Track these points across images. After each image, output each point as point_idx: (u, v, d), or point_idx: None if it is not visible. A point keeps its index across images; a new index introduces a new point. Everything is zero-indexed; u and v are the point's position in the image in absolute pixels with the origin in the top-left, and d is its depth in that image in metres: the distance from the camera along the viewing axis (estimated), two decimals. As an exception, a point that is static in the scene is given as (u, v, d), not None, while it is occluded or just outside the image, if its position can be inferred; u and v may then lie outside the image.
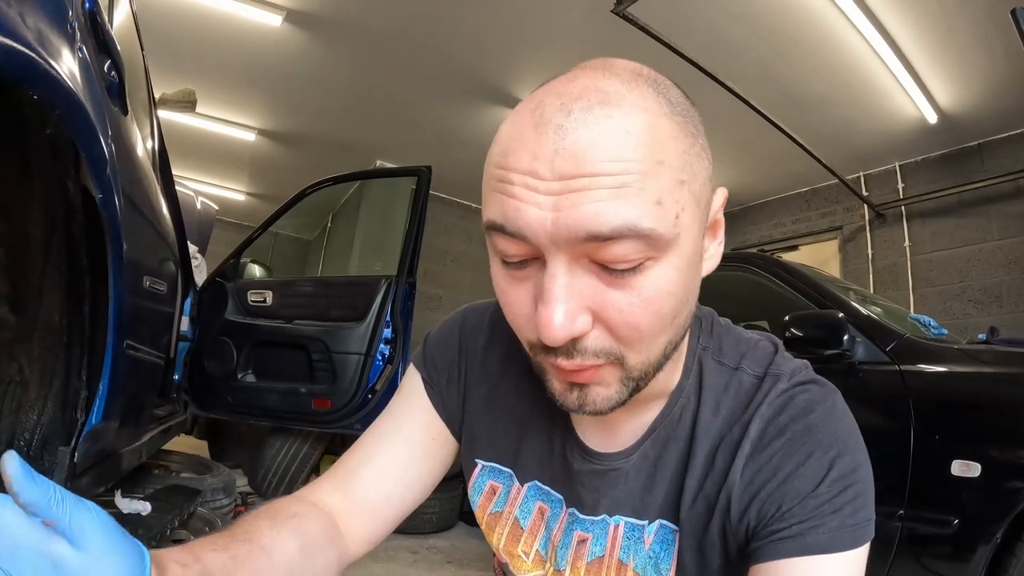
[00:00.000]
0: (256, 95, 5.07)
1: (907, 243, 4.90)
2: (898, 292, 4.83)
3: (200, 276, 3.09)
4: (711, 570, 0.49)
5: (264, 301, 2.87)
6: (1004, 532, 1.42)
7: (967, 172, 4.54)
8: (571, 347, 0.40)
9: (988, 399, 1.61)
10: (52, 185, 1.02)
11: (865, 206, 5.15)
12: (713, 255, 0.46)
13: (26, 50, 0.67)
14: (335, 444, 3.17)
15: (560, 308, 0.38)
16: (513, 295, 0.43)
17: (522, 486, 0.58)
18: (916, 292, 4.80)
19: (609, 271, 0.38)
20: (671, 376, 0.50)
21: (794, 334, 1.86)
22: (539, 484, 0.57)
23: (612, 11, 2.98)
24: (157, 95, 2.55)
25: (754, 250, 4.57)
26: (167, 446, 2.45)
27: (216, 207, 4.19)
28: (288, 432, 2.93)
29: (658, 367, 0.44)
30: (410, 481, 0.59)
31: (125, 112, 1.25)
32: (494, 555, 0.63)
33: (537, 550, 0.56)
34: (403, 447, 0.60)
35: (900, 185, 4.99)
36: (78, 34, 0.89)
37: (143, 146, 1.50)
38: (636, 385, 0.43)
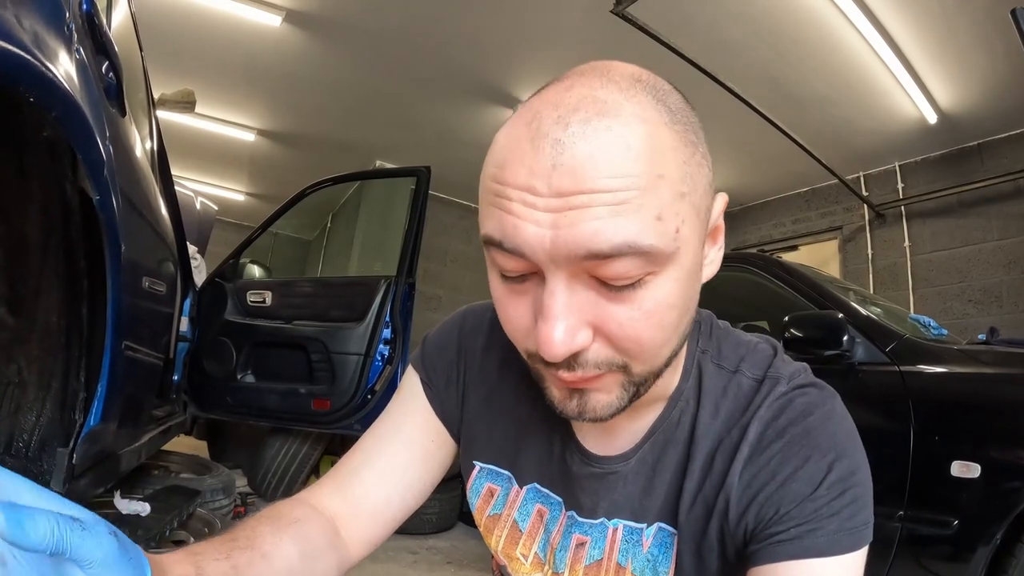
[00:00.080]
0: (255, 95, 5.07)
1: (907, 243, 4.90)
2: (898, 292, 4.83)
3: (199, 276, 3.09)
4: (709, 573, 0.49)
5: (263, 301, 2.87)
6: (1004, 533, 1.42)
7: (967, 172, 4.54)
8: (572, 360, 0.40)
9: (988, 400, 1.60)
10: (50, 187, 1.02)
11: (865, 206, 5.15)
12: (713, 261, 0.46)
13: (22, 52, 0.66)
14: (334, 444, 3.17)
15: (560, 325, 0.38)
16: (512, 308, 0.42)
17: (521, 488, 0.58)
18: (916, 292, 4.80)
19: (609, 286, 0.38)
20: (670, 379, 0.50)
21: (794, 334, 1.86)
22: (538, 487, 0.57)
23: (611, 11, 2.98)
24: (156, 95, 2.55)
25: (754, 250, 4.57)
26: (166, 447, 2.45)
27: (215, 207, 4.19)
28: (287, 432, 2.93)
29: (660, 374, 0.44)
30: (410, 483, 0.60)
31: (123, 113, 1.25)
32: (492, 557, 0.63)
33: (536, 552, 0.56)
34: (402, 449, 0.60)
35: (900, 185, 4.99)
36: (75, 36, 0.89)
37: (142, 147, 1.50)
38: (637, 391, 0.43)
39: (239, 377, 2.80)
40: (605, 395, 0.43)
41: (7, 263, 1.03)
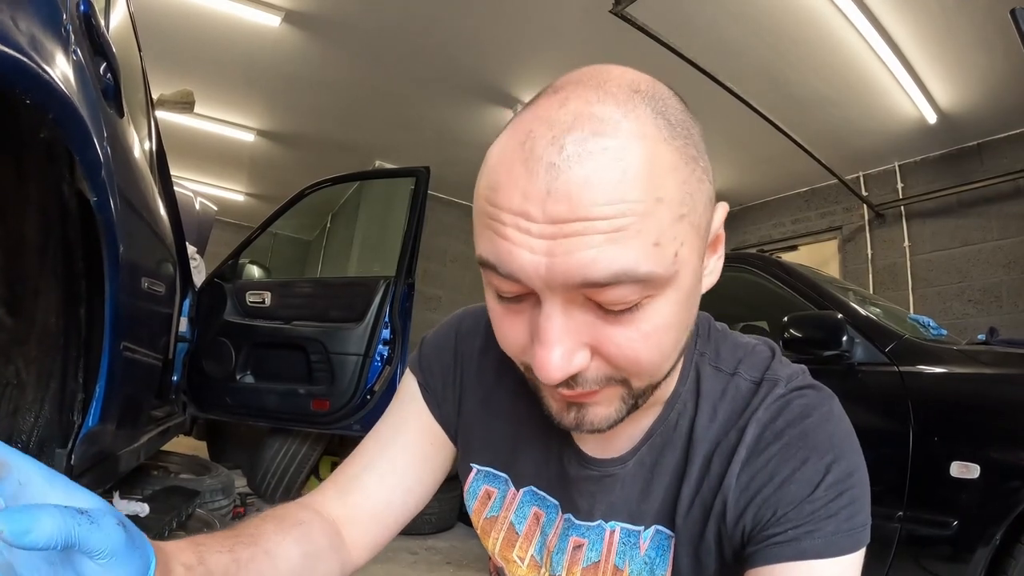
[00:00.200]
0: (255, 95, 5.07)
1: (906, 243, 4.90)
2: (897, 292, 4.83)
3: (199, 277, 3.09)
4: (707, 575, 0.49)
5: (263, 302, 2.87)
6: (1003, 534, 1.42)
7: (967, 172, 4.54)
8: (571, 379, 0.40)
9: (987, 400, 1.60)
10: (48, 188, 1.02)
11: (864, 206, 5.15)
12: (713, 271, 0.45)
13: (18, 54, 0.66)
14: (334, 445, 3.17)
15: (557, 350, 0.38)
16: (508, 327, 0.42)
17: (518, 491, 0.58)
18: (915, 292, 4.80)
19: (606, 309, 0.38)
20: (668, 383, 0.50)
21: (793, 335, 1.86)
22: (535, 489, 0.57)
23: (611, 11, 2.98)
24: (155, 96, 2.55)
25: (753, 250, 4.58)
26: (166, 447, 2.45)
27: (215, 208, 4.19)
28: (287, 433, 2.93)
29: (658, 385, 0.44)
30: (410, 486, 0.60)
31: (121, 114, 1.24)
32: (490, 559, 0.63)
33: (532, 555, 0.56)
34: (402, 453, 0.60)
35: (899, 185, 4.99)
36: (72, 37, 0.89)
37: (141, 147, 1.50)
38: (636, 403, 0.43)
39: (238, 378, 2.80)
40: (604, 408, 0.43)
41: (5, 264, 1.03)
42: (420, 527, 2.90)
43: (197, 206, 3.73)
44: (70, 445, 1.09)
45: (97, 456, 1.25)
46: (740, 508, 0.46)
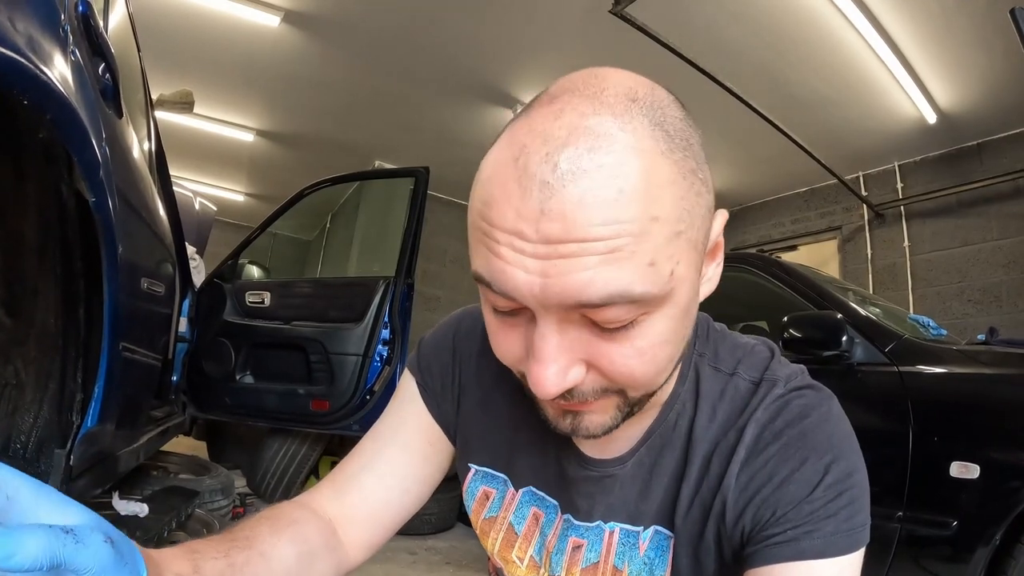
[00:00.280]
0: (254, 95, 5.07)
1: (906, 243, 4.90)
2: (897, 292, 4.83)
3: (198, 277, 3.09)
4: (706, 575, 0.49)
5: (262, 302, 2.87)
6: (1003, 534, 1.42)
7: (966, 172, 4.54)
8: (566, 392, 0.40)
9: (987, 400, 1.60)
10: (46, 188, 1.02)
11: (864, 206, 5.15)
12: (712, 277, 0.45)
13: (16, 55, 0.66)
14: (333, 445, 3.17)
15: (552, 368, 0.38)
16: (503, 338, 0.42)
17: (517, 491, 0.58)
18: (915, 292, 4.80)
19: (601, 327, 0.38)
20: (666, 386, 0.50)
21: (792, 335, 1.86)
22: (534, 490, 0.57)
23: (610, 11, 2.98)
24: (154, 96, 2.55)
25: (753, 250, 4.58)
26: (165, 447, 2.45)
27: (214, 208, 4.19)
28: (286, 433, 2.93)
29: (654, 394, 0.44)
30: (408, 486, 0.60)
31: (120, 114, 1.24)
32: (489, 559, 0.62)
33: (531, 556, 0.56)
34: (400, 452, 0.60)
35: (899, 185, 4.99)
36: (71, 37, 0.89)
37: (140, 148, 1.50)
38: (631, 410, 0.43)
39: (238, 378, 2.80)
40: (599, 416, 0.43)
41: (4, 265, 1.03)
42: (419, 527, 2.90)
43: (196, 206, 3.73)
44: (69, 445, 1.09)
45: (96, 456, 1.25)
46: (739, 508, 0.46)
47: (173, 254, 2.00)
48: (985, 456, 1.49)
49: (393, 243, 2.93)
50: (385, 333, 2.61)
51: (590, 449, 0.53)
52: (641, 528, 0.51)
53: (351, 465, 0.60)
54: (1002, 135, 4.36)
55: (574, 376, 0.39)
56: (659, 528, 0.50)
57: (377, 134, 5.54)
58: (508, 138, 0.38)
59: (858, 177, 5.18)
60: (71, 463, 1.09)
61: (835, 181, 4.91)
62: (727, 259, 2.35)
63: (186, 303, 2.76)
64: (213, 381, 2.82)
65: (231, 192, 7.64)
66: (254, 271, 3.36)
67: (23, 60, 0.68)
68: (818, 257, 5.42)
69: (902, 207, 4.94)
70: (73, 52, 0.90)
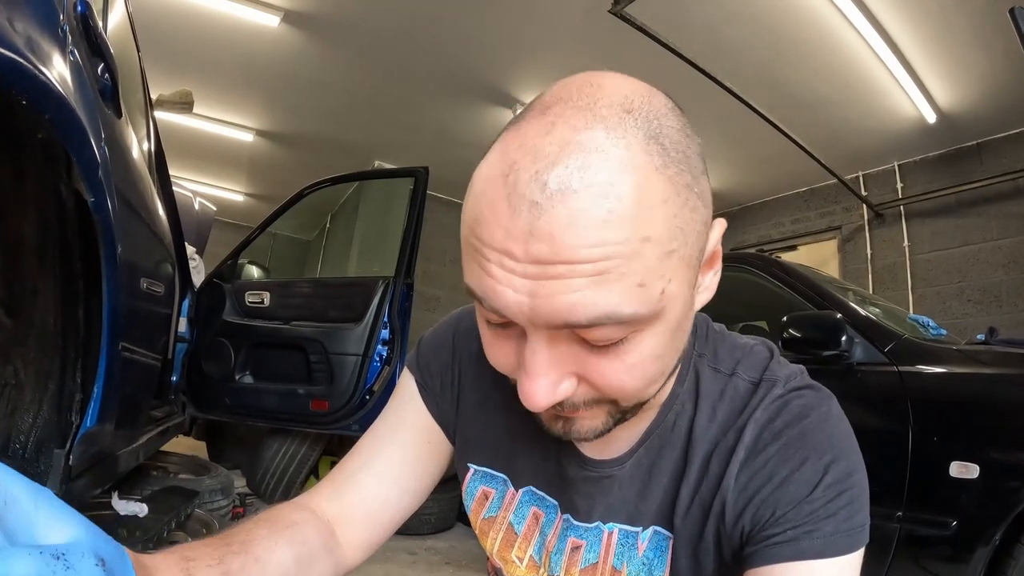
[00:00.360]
0: (254, 96, 5.07)
1: (906, 243, 4.90)
2: (897, 292, 4.83)
3: (198, 277, 3.09)
4: (705, 575, 0.48)
5: (262, 302, 2.87)
6: (1002, 534, 1.42)
7: (966, 172, 4.54)
8: (557, 404, 0.40)
9: (987, 400, 1.60)
10: (45, 188, 1.02)
11: (864, 206, 5.15)
12: (709, 287, 0.44)
13: (14, 55, 0.66)
14: (333, 445, 3.17)
15: (542, 382, 0.38)
16: (496, 349, 0.43)
17: (516, 491, 0.58)
18: (915, 292, 4.81)
19: (591, 343, 0.38)
20: (663, 390, 0.50)
21: (792, 335, 1.86)
22: (534, 490, 0.57)
23: (610, 11, 2.98)
24: (154, 96, 2.55)
25: (753, 250, 4.58)
26: (165, 447, 2.45)
27: (214, 208, 4.19)
28: (286, 433, 2.93)
29: (647, 402, 0.44)
30: (406, 485, 0.60)
31: (119, 115, 1.24)
32: (488, 559, 0.62)
33: (531, 556, 0.56)
34: (399, 452, 0.60)
35: (899, 185, 4.99)
36: (70, 37, 0.89)
37: (139, 148, 1.50)
38: (623, 417, 0.44)
39: (237, 378, 2.79)
40: (591, 421, 0.43)
41: (3, 265, 1.03)
42: (419, 527, 2.90)
43: (196, 206, 3.73)
44: (68, 445, 1.09)
45: (96, 456, 1.25)
46: (739, 509, 0.46)
47: (172, 254, 2.00)
48: (985, 456, 1.49)
49: (393, 243, 2.93)
50: (385, 333, 2.61)
51: (589, 450, 0.53)
52: (640, 528, 0.51)
53: (350, 464, 0.60)
54: (1002, 135, 4.36)
55: (564, 389, 0.39)
56: (658, 528, 0.50)
57: (377, 134, 5.54)
58: (499, 152, 0.37)
59: (858, 177, 5.18)
60: (70, 463, 1.09)
61: (835, 181, 4.91)
62: (727, 259, 2.36)
63: (186, 303, 2.76)
64: (213, 381, 2.82)
65: (231, 192, 7.64)
66: (254, 271, 3.36)
67: (22, 60, 0.68)
68: (818, 257, 5.42)
69: (902, 207, 4.95)
70: (72, 52, 0.90)
